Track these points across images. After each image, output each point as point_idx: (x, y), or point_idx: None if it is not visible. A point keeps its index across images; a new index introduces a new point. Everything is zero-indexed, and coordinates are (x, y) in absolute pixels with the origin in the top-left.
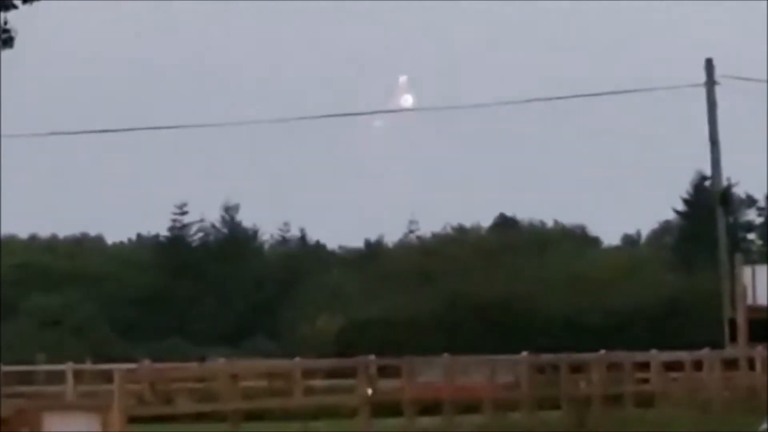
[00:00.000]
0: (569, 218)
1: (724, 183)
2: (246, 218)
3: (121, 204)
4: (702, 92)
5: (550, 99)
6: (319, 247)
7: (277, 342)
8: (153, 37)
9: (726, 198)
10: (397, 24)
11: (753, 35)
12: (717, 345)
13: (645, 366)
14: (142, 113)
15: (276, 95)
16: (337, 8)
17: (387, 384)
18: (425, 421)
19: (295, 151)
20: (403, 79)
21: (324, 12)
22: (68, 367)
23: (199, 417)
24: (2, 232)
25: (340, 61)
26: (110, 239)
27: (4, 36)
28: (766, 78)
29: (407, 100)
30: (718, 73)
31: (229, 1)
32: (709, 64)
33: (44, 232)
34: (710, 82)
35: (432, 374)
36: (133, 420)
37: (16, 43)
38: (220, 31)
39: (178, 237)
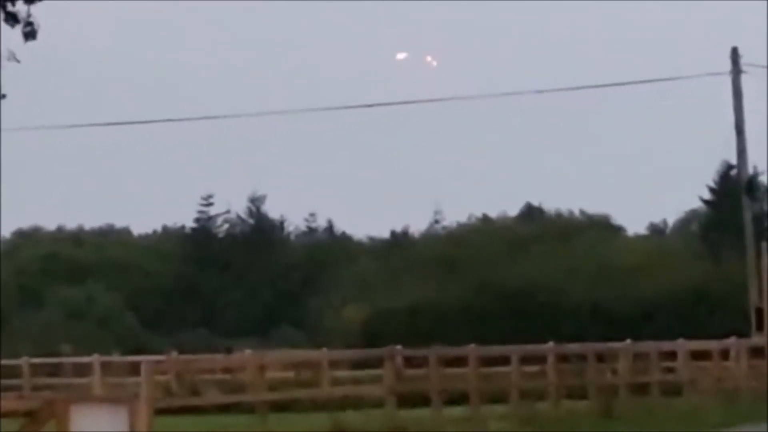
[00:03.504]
0: (594, 207)
1: (750, 171)
2: (272, 209)
3: (147, 195)
4: (727, 81)
5: (577, 88)
6: (345, 237)
7: (303, 332)
8: (177, 29)
9: (752, 186)
10: (423, 10)
11: None
12: (743, 334)
13: (672, 355)
14: (169, 105)
15: (302, 86)
16: None
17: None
18: (452, 411)
19: (320, 141)
20: (401, 55)
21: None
22: (95, 359)
23: (226, 408)
24: (28, 224)
25: (368, 50)
26: (136, 231)
27: (27, 29)
28: None
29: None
30: (744, 61)
31: None
32: (735, 53)
33: (71, 224)
34: (736, 71)
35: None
36: (160, 412)
37: (41, 36)
38: (246, 22)
39: (204, 228)
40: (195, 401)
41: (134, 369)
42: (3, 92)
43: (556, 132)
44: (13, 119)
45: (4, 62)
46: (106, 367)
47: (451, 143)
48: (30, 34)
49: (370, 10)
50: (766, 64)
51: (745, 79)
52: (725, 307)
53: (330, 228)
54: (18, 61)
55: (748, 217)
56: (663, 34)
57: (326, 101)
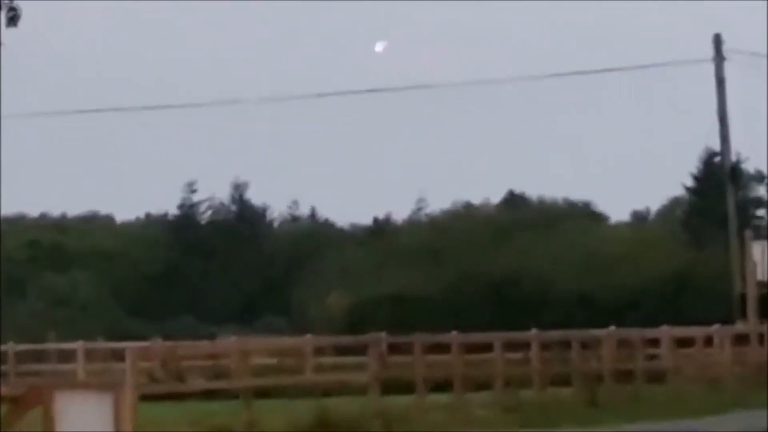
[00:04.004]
0: (577, 195)
1: (733, 159)
2: (255, 196)
3: (130, 183)
4: (710, 68)
5: (557, 75)
6: (328, 224)
7: (287, 319)
8: (162, 19)
9: (735, 174)
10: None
11: (761, 9)
12: (727, 321)
13: (655, 342)
14: (152, 92)
15: (285, 74)
16: None
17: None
18: (436, 398)
19: (303, 129)
20: (380, 46)
21: None
22: (79, 345)
23: (210, 394)
24: (12, 211)
25: (349, 37)
26: (120, 218)
27: (10, 14)
28: None
29: (380, 47)
30: (727, 48)
31: None
32: (717, 40)
33: (54, 211)
34: (719, 58)
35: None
36: (144, 398)
37: (23, 22)
38: (229, 11)
39: (187, 215)
40: (179, 387)
41: (118, 355)
42: None
43: (538, 119)
44: None
45: None
46: (90, 353)
47: (433, 130)
48: (12, 20)
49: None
50: (748, 50)
51: (728, 66)
52: (709, 294)
53: (313, 215)
54: (2, 44)
55: (731, 204)
56: (646, 21)
57: (308, 89)
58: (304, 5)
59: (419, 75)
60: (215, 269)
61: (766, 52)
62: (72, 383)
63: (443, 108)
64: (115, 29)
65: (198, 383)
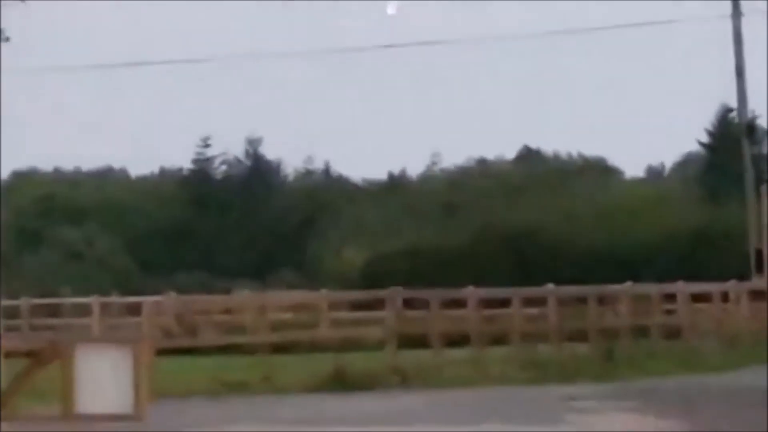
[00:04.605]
0: (592, 150)
1: (749, 115)
2: (269, 151)
3: (144, 138)
4: (728, 24)
5: (573, 30)
6: (342, 179)
7: (301, 274)
8: None
9: (752, 129)
10: None
11: None
12: (743, 276)
13: (671, 298)
14: (166, 47)
15: (297, 28)
16: None
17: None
18: (453, 353)
19: (317, 83)
20: (392, 7)
21: None
22: (94, 299)
23: (225, 349)
24: (25, 166)
25: None
26: (134, 173)
27: None
28: None
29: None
30: (744, 4)
31: None
32: None
33: (68, 166)
34: (736, 14)
35: None
36: (159, 353)
37: None
38: None
39: (201, 170)
40: (194, 342)
41: (133, 310)
42: (6, 35)
43: (552, 74)
44: (11, 61)
45: (5, 3)
46: (104, 308)
47: (448, 86)
48: None
49: None
50: (767, 7)
51: (744, 23)
52: (725, 249)
53: (327, 170)
54: (23, 0)
55: (747, 159)
56: None
57: (321, 44)
58: None
59: (433, 31)
60: (229, 224)
61: None
62: (91, 338)
63: (457, 63)
64: None
65: (213, 338)
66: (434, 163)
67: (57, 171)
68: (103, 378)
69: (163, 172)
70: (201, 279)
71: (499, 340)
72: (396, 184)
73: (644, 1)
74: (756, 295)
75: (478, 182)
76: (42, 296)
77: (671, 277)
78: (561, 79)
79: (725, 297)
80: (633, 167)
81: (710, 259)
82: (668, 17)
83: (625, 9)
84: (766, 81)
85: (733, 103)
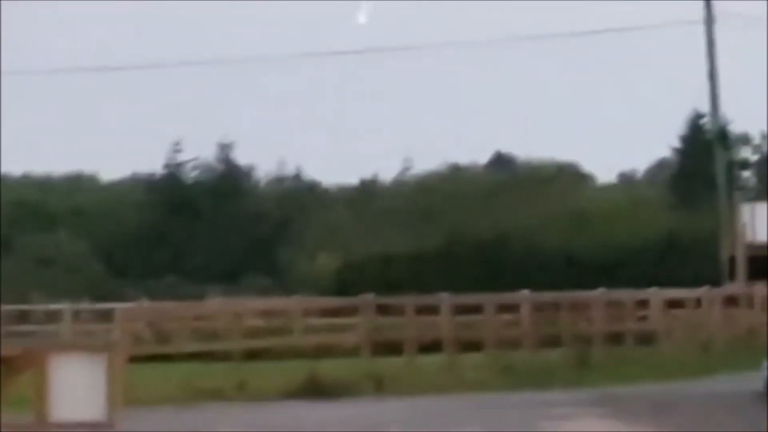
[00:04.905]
0: (565, 156)
1: (722, 121)
2: (241, 156)
3: (115, 142)
4: (700, 29)
5: (546, 36)
6: (314, 184)
7: (273, 280)
8: None
9: (724, 135)
10: None
11: None
12: (716, 283)
13: (645, 304)
14: (138, 50)
15: (269, 32)
16: None
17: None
18: (427, 359)
19: (289, 88)
20: (363, 16)
21: None
22: (66, 306)
23: (198, 356)
24: None
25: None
26: (105, 177)
27: None
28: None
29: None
30: (717, 8)
31: None
32: (708, 1)
33: (38, 170)
34: (709, 19)
35: None
36: (131, 359)
37: None
38: None
39: (173, 175)
40: (167, 349)
41: (105, 316)
42: None
43: (525, 80)
44: None
45: None
46: (76, 314)
47: (420, 91)
48: None
49: None
50: (740, 12)
51: (717, 29)
52: (697, 255)
53: (298, 176)
54: None
55: (720, 165)
56: None
57: (293, 49)
58: None
59: (405, 36)
60: (200, 229)
61: (755, 13)
62: (65, 345)
63: (429, 69)
64: None
65: (186, 345)
66: (407, 169)
67: (26, 176)
68: (76, 385)
69: (135, 177)
70: (172, 284)
71: (473, 346)
72: (368, 189)
73: (617, 7)
74: (729, 301)
75: (451, 188)
76: (12, 303)
77: (644, 283)
78: (534, 84)
79: (699, 303)
80: (605, 173)
81: (683, 265)
82: (641, 23)
83: (597, 15)
84: (738, 86)
85: (706, 108)
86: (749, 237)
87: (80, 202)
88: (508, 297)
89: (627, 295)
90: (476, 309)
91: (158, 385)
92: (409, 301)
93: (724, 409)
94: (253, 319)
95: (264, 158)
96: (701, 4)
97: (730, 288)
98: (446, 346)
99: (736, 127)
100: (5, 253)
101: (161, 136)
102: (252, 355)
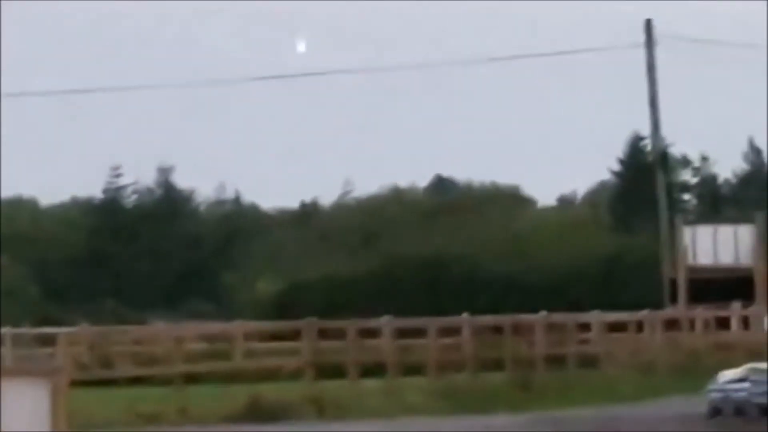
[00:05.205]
0: (505, 179)
1: (662, 143)
2: (181, 180)
3: (55, 166)
4: (639, 53)
5: (486, 60)
6: (253, 208)
7: (214, 304)
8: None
9: (665, 158)
10: None
11: None
12: (657, 306)
13: (587, 327)
14: (77, 75)
15: (207, 58)
16: None
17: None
18: (369, 383)
19: (228, 112)
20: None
21: None
22: (7, 330)
23: (140, 380)
24: None
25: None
26: (44, 202)
27: None
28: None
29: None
30: (657, 32)
31: None
32: (649, 25)
33: None
34: (650, 43)
35: None
36: (73, 384)
37: None
38: None
39: (112, 199)
40: (109, 373)
41: (46, 341)
42: None
43: (465, 104)
44: None
45: None
46: (17, 338)
47: (359, 114)
48: None
49: None
50: (679, 35)
51: (658, 52)
52: (638, 278)
53: (237, 199)
54: None
55: (661, 188)
56: (576, 6)
57: (231, 73)
58: None
59: (345, 60)
60: (141, 253)
61: (695, 37)
62: (9, 370)
63: (370, 91)
64: (40, 8)
65: (128, 369)
66: (347, 192)
67: None
68: (20, 411)
69: (74, 202)
70: (113, 308)
71: (415, 369)
72: (309, 212)
73: (557, 31)
74: (671, 324)
75: (392, 210)
76: None
77: (584, 306)
78: (474, 107)
79: (640, 326)
80: (545, 196)
81: (624, 288)
82: (581, 46)
83: (537, 37)
84: (678, 109)
85: (646, 131)
86: (690, 260)
87: (20, 226)
88: (449, 320)
89: (568, 318)
90: (418, 332)
91: (100, 410)
92: (351, 324)
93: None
94: (194, 343)
95: (204, 182)
96: (642, 28)
97: (671, 311)
98: (388, 370)
99: (676, 150)
100: None
101: (100, 160)
102: (193, 379)
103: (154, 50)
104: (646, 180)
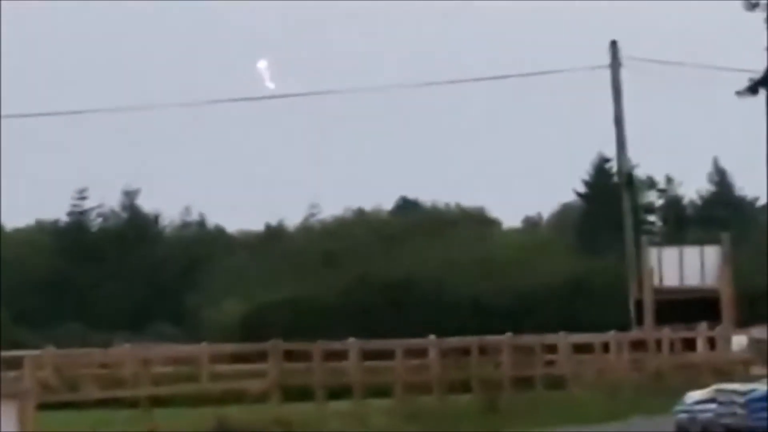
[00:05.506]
0: (470, 201)
1: (627, 165)
2: (146, 203)
3: (20, 189)
4: (604, 74)
5: (453, 82)
6: (219, 230)
7: (179, 327)
8: (50, 21)
9: (631, 180)
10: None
11: (658, 17)
12: (623, 327)
13: (553, 348)
14: (42, 97)
15: (171, 80)
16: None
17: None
18: (336, 405)
19: (193, 135)
20: (262, 63)
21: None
22: None
23: (106, 403)
24: None
25: (237, 46)
26: (9, 224)
27: None
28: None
29: (270, 85)
30: (622, 54)
31: None
32: (614, 46)
33: None
34: (615, 64)
35: None
36: (39, 407)
37: None
38: (126, 9)
39: (78, 222)
40: (75, 396)
41: (11, 364)
42: None
43: (431, 125)
44: None
45: None
46: None
47: (324, 137)
48: None
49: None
50: (644, 56)
51: (623, 73)
52: (604, 300)
53: (202, 222)
54: None
55: (627, 210)
56: (542, 27)
57: (195, 96)
58: (192, 14)
59: (310, 83)
60: (106, 276)
61: (660, 58)
62: None
63: (335, 114)
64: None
65: (94, 392)
66: (312, 214)
67: None
68: None
69: (39, 225)
70: (78, 331)
71: (382, 391)
72: (274, 235)
73: (522, 52)
74: (637, 345)
75: (357, 233)
76: None
77: (551, 328)
78: (439, 129)
79: (606, 347)
80: (511, 217)
81: (590, 309)
82: (546, 67)
83: (503, 59)
84: (643, 131)
85: (611, 153)
86: (656, 281)
87: None
88: (416, 342)
89: (535, 339)
90: (385, 354)
91: None
92: (317, 346)
93: None
94: (160, 365)
95: (169, 205)
96: (607, 49)
97: (638, 332)
98: (355, 392)
99: (641, 171)
100: None
101: (65, 183)
102: (160, 402)
103: (119, 74)
104: (611, 201)
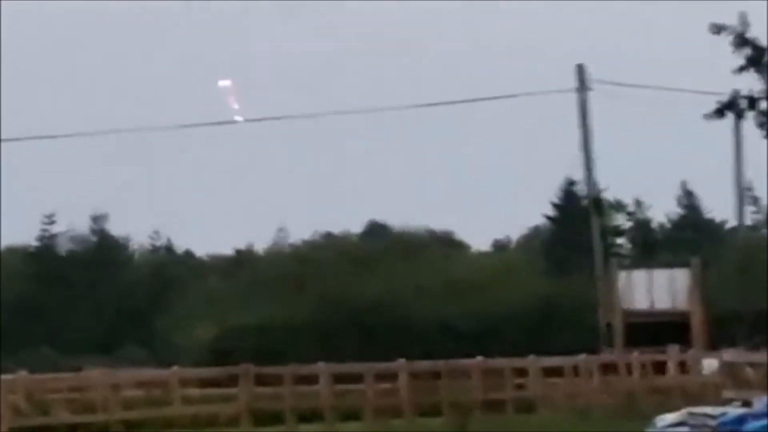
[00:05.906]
0: (438, 224)
1: (595, 188)
2: (115, 227)
3: None
4: (572, 97)
5: (418, 106)
6: (188, 255)
7: (149, 351)
8: (24, 41)
9: (599, 203)
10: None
11: (625, 40)
12: (593, 350)
13: (523, 372)
14: (8, 122)
15: (142, 104)
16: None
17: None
18: (306, 428)
19: (162, 159)
20: (224, 83)
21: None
22: None
23: (77, 427)
24: None
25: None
26: None
27: None
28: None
29: (234, 106)
30: (590, 77)
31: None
32: (581, 70)
33: None
34: (582, 88)
35: None
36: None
37: None
38: (93, 35)
39: (46, 247)
40: (46, 421)
41: None
42: None
43: (398, 149)
44: None
45: None
46: None
47: (292, 161)
48: None
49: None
50: (611, 80)
51: (590, 97)
52: (573, 322)
53: (170, 246)
54: None
55: (596, 233)
56: (510, 51)
57: (165, 120)
58: (160, 37)
59: (278, 106)
60: (75, 300)
61: (628, 82)
62: None
63: (302, 139)
64: None
65: (65, 416)
66: (281, 238)
67: None
68: None
69: (8, 249)
70: (46, 355)
71: (352, 415)
72: (243, 259)
73: (489, 76)
74: (607, 368)
75: (325, 256)
76: None
77: (519, 351)
78: (407, 152)
79: (576, 370)
80: (479, 241)
81: (560, 332)
82: (514, 91)
83: (470, 83)
84: (611, 153)
85: (579, 175)
86: (626, 304)
87: None
88: (386, 366)
89: (505, 363)
90: (354, 378)
91: None
92: (288, 370)
93: None
94: (131, 390)
95: (138, 229)
96: (574, 73)
97: (608, 355)
98: (325, 415)
99: (609, 194)
100: None
101: (34, 208)
102: (130, 426)
103: (87, 98)
104: (580, 224)
